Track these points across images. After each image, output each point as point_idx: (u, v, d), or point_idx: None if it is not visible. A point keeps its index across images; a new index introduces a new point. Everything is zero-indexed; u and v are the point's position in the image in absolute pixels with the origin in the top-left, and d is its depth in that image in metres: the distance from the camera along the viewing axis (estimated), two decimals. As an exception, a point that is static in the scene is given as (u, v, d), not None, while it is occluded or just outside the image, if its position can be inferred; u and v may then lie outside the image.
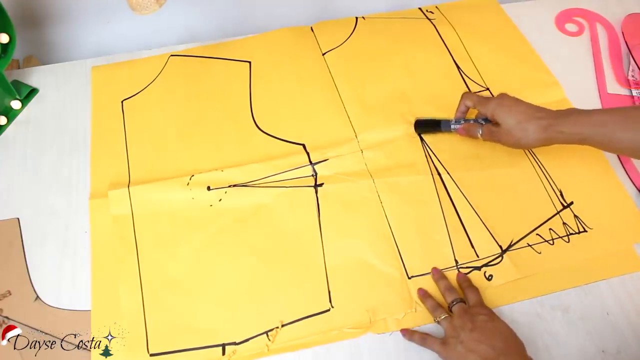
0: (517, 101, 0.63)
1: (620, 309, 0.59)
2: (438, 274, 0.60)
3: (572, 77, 0.79)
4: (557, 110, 0.61)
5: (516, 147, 0.65)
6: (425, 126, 0.72)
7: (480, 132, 0.67)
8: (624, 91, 0.79)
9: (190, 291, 0.60)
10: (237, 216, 0.65)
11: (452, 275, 0.61)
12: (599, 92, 0.78)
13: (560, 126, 0.59)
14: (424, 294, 0.59)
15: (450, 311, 0.57)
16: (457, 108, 0.70)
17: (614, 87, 0.79)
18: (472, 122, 0.69)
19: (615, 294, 0.60)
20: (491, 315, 0.54)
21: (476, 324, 0.53)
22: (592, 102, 0.76)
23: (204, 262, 0.62)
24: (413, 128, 0.72)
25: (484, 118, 0.67)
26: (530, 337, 0.56)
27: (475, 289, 0.58)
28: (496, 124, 0.64)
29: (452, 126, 0.70)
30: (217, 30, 0.97)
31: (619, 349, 0.57)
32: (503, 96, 0.65)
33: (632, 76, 0.80)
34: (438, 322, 0.57)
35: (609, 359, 0.56)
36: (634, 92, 0.79)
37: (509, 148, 0.65)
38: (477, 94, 0.70)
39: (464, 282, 0.60)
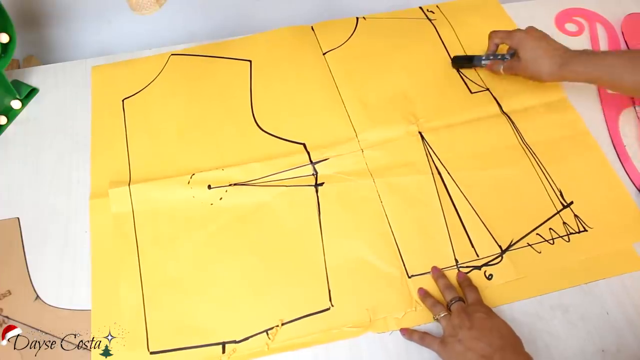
0: (541, 37, 0.68)
1: (620, 309, 0.59)
2: (437, 273, 0.60)
3: (571, 77, 0.79)
4: (573, 50, 0.67)
5: (532, 80, 0.70)
6: (461, 61, 0.79)
7: (502, 67, 0.73)
8: (623, 91, 0.79)
9: (190, 289, 0.60)
10: (237, 215, 0.65)
11: (452, 274, 0.61)
12: (599, 91, 0.78)
13: (574, 65, 0.65)
14: (424, 294, 0.59)
15: (449, 310, 0.57)
16: (488, 46, 0.75)
17: (613, 86, 0.79)
18: (499, 58, 0.74)
19: (615, 293, 0.60)
20: (488, 312, 0.54)
21: (474, 321, 0.53)
22: (592, 101, 0.76)
23: (205, 260, 0.62)
24: (451, 64, 0.79)
25: (510, 54, 0.73)
26: (530, 336, 0.56)
27: (475, 288, 0.58)
28: (518, 57, 0.70)
29: (483, 62, 0.76)
30: (218, 29, 0.97)
31: (619, 348, 0.57)
32: (530, 29, 0.70)
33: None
34: (437, 320, 0.57)
35: (609, 358, 0.56)
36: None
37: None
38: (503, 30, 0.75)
39: (464, 281, 0.60)
